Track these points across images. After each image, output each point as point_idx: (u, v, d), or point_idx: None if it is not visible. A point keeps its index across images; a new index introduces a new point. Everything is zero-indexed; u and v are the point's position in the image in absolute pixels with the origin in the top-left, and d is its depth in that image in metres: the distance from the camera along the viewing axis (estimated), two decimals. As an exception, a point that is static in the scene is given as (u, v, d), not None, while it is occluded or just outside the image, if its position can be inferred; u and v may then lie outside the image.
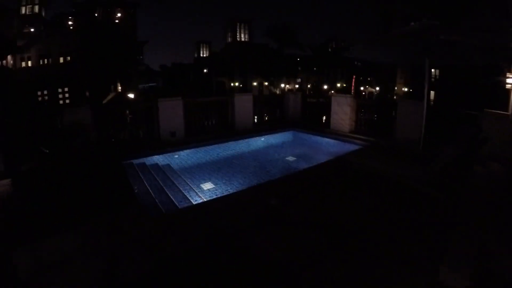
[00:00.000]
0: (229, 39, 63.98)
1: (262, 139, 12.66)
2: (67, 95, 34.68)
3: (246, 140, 12.06)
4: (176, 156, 10.07)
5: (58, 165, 8.37)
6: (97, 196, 6.55)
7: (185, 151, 10.34)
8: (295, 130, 13.41)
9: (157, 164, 9.22)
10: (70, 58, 36.04)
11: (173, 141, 10.52)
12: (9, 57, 34.36)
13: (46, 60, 37.10)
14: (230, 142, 11.53)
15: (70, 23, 40.64)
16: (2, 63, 32.33)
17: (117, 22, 40.50)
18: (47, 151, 8.64)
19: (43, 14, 40.15)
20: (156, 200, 6.43)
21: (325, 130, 12.55)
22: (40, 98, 34.33)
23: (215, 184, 8.61)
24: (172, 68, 66.28)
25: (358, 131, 11.67)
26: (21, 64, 36.96)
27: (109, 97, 32.89)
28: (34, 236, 5.01)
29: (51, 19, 41.32)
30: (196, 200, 7.02)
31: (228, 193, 7.56)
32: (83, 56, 33.50)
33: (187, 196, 7.10)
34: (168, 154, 9.88)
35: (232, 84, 59.06)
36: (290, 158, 11.10)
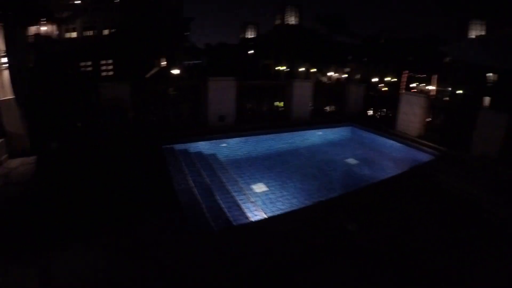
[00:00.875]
0: (278, 22, 62.72)
1: (319, 133, 11.75)
2: (110, 67, 35.06)
3: (302, 132, 11.27)
4: (224, 144, 9.36)
5: (88, 147, 7.86)
6: (129, 191, 5.92)
7: (235, 139, 9.66)
8: (354, 126, 12.44)
9: (201, 153, 8.51)
10: (115, 31, 36.25)
11: (222, 126, 9.79)
12: (54, 27, 34.94)
13: (90, 32, 37.75)
14: (285, 134, 10.76)
15: None
16: (41, 32, 32.80)
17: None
18: (80, 125, 8.17)
19: None
20: (203, 205, 5.71)
21: (389, 130, 11.42)
22: (83, 69, 34.92)
23: (269, 186, 7.88)
24: (217, 47, 65.75)
25: (427, 137, 10.44)
26: (65, 35, 37.78)
27: (152, 71, 32.60)
28: (44, 244, 4.46)
29: None
30: (248, 207, 6.27)
31: (288, 207, 6.87)
32: (127, 29, 33.47)
33: (238, 200, 6.38)
34: (216, 141, 9.22)
35: (278, 68, 57.82)
36: (351, 161, 10.19)
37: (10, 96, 7.81)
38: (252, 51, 62.78)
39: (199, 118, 9.91)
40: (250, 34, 74.45)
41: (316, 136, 11.74)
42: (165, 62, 34.71)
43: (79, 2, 38.33)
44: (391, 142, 10.87)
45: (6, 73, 7.77)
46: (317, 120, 12.28)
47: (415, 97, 11.36)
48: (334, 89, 15.85)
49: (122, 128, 8.42)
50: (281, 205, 7.12)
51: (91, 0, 39.46)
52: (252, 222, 5.53)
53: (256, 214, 6.05)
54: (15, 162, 7.65)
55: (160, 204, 5.49)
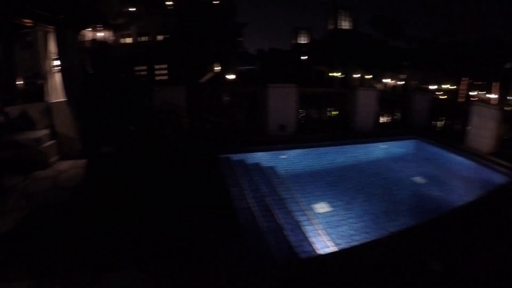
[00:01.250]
0: (330, 27, 61.67)
1: (384, 146, 10.81)
2: (164, 71, 35.90)
3: (365, 145, 10.38)
4: (284, 156, 8.73)
5: (141, 152, 7.50)
6: (183, 206, 5.40)
7: (295, 151, 8.98)
8: (420, 139, 11.24)
9: (259, 164, 7.89)
10: (168, 36, 37.13)
11: (281, 136, 9.14)
12: (110, 33, 36.28)
13: (145, 37, 39.04)
14: (347, 146, 9.93)
15: (168, 3, 42.11)
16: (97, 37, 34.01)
17: (216, 3, 40.48)
18: (133, 129, 7.86)
19: None
20: (263, 227, 5.11)
21: (457, 145, 10.19)
22: (138, 73, 36.11)
23: (331, 205, 7.21)
24: (269, 53, 65.55)
25: (500, 155, 9.07)
26: (121, 41, 39.31)
27: (207, 76, 32.73)
28: (89, 262, 4.08)
29: None
30: (311, 230, 5.61)
31: (354, 232, 6.27)
32: (181, 34, 33.99)
33: (298, 221, 5.75)
34: (275, 152, 8.61)
35: (331, 74, 56.59)
36: (418, 179, 9.23)
37: (62, 98, 7.66)
38: (305, 57, 61.93)
39: (256, 126, 9.32)
40: (302, 40, 73.82)
41: (380, 149, 10.86)
42: (219, 67, 34.81)
43: (134, 9, 40.04)
44: (460, 159, 9.71)
45: (58, 76, 7.61)
46: (380, 132, 11.34)
47: (488, 109, 10.14)
48: (396, 98, 14.71)
49: (176, 134, 8.01)
50: (346, 229, 6.44)
51: (145, 7, 41.08)
52: (320, 255, 4.83)
53: (320, 239, 5.44)
54: (65, 165, 7.54)
55: (217, 224, 4.91)
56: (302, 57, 62.03)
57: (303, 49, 65.58)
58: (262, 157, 8.29)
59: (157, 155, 7.37)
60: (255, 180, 6.90)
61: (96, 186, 6.29)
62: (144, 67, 35.82)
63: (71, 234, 4.79)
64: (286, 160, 8.78)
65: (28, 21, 6.73)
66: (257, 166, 7.82)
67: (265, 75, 48.55)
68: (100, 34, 34.65)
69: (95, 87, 9.41)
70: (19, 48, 9.88)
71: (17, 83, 9.85)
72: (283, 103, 9.26)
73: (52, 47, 7.70)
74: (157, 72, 36.02)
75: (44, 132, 7.73)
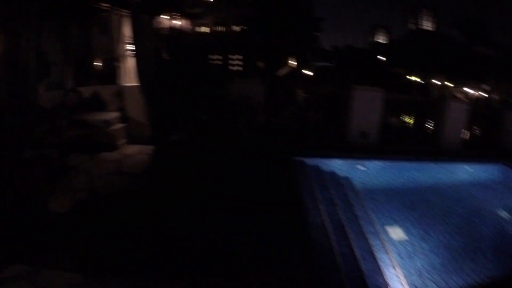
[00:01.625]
0: (411, 26, 58.74)
1: (467, 169, 9.54)
2: (239, 62, 36.18)
3: (449, 165, 9.20)
4: (362, 167, 7.95)
5: (211, 145, 7.18)
6: (253, 212, 4.96)
7: (374, 162, 8.16)
8: (507, 165, 9.59)
9: (334, 173, 7.26)
10: (245, 27, 37.35)
11: (362, 144, 8.45)
12: (187, 22, 37.19)
13: (221, 27, 39.68)
14: (430, 164, 8.87)
15: None
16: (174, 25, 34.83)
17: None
18: (204, 118, 7.57)
19: None
20: (336, 250, 4.47)
21: None
22: (213, 62, 36.84)
23: (407, 232, 6.50)
24: (345, 50, 63.67)
25: None
26: (197, 30, 40.31)
27: (284, 71, 32.22)
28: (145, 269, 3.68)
29: None
30: (383, 259, 4.95)
31: (429, 268, 5.49)
32: (257, 26, 33.91)
33: (372, 246, 5.09)
34: (352, 161, 7.89)
35: (409, 78, 53.61)
36: (504, 214, 8.10)
37: (134, 83, 7.57)
38: (381, 57, 59.35)
39: (334, 130, 8.65)
40: (379, 38, 71.36)
41: (464, 172, 9.54)
42: (295, 62, 34.17)
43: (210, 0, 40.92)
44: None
45: (132, 60, 7.53)
46: (464, 151, 9.96)
47: None
48: (486, 113, 12.44)
49: (249, 129, 7.60)
50: (421, 264, 5.64)
51: (222, -3, 41.89)
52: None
53: (392, 272, 4.77)
54: (132, 149, 7.49)
55: (286, 239, 4.42)
56: (379, 57, 59.53)
57: (380, 48, 63.00)
58: (338, 165, 7.60)
59: (227, 149, 7.00)
60: (330, 192, 6.29)
61: (160, 176, 6.08)
62: (219, 57, 36.34)
63: (129, 226, 4.55)
64: (364, 172, 8.00)
65: (105, 5, 6.66)
66: (332, 175, 7.19)
67: (341, 74, 46.95)
68: (177, 22, 35.62)
69: (169, 74, 9.30)
70: (97, 32, 9.99)
71: (93, 64, 10.02)
72: (367, 108, 8.45)
73: (127, 31, 7.66)
74: (231, 63, 36.31)
75: (114, 114, 7.75)
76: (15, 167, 4.29)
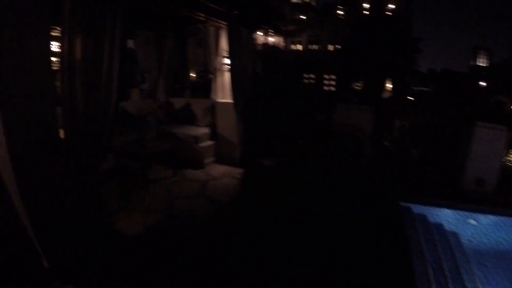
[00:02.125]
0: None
1: None
2: (333, 82, 35.32)
3: None
4: (472, 222, 6.38)
5: (306, 174, 6.38)
6: (348, 261, 4.04)
7: (488, 217, 6.38)
8: None
9: (442, 226, 5.98)
10: (339, 46, 36.54)
11: (476, 193, 6.82)
12: (281, 39, 37.34)
13: (315, 46, 39.31)
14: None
15: (339, 12, 41.73)
16: (269, 42, 34.78)
17: (389, 14, 38.04)
18: (302, 142, 6.78)
19: (314, 3, 44.00)
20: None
21: None
22: (306, 81, 36.48)
23: None
24: (442, 74, 59.35)
25: None
26: (291, 47, 40.30)
27: (386, 95, 30.34)
28: None
29: (321, 7, 45.05)
30: None
31: None
32: (353, 45, 32.74)
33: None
34: (463, 213, 6.35)
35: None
36: None
37: (228, 99, 7.06)
38: (483, 83, 54.33)
39: (443, 171, 7.20)
40: (480, 62, 65.58)
41: None
42: (391, 85, 32.22)
43: (304, 18, 40.78)
44: None
45: (227, 75, 7.03)
46: None
47: None
48: None
49: (353, 162, 6.57)
50: None
51: (315, 15, 41.56)
52: None
53: None
54: (218, 170, 6.92)
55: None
56: (480, 83, 54.56)
57: (482, 73, 57.77)
58: (447, 217, 6.20)
59: (325, 182, 6.16)
60: (437, 248, 5.12)
61: (246, 206, 5.36)
62: (313, 76, 35.80)
63: (205, 261, 3.91)
64: (474, 227, 6.47)
65: (200, 15, 6.21)
66: (440, 228, 5.89)
67: (439, 100, 43.18)
68: (271, 39, 35.84)
69: (263, 92, 8.74)
70: (193, 43, 9.76)
71: (188, 76, 9.81)
72: (487, 149, 6.84)
73: (224, 44, 7.17)
74: (325, 82, 35.54)
75: (204, 130, 7.28)
76: (90, 176, 3.86)
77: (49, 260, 3.39)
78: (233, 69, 6.65)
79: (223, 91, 7.46)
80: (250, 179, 6.36)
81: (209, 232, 4.55)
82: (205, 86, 8.33)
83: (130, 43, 9.89)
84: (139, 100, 8.85)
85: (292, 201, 5.32)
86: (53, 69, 3.48)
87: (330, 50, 37.23)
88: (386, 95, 29.72)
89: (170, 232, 4.58)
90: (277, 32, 35.32)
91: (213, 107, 7.49)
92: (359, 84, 30.94)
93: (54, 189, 3.52)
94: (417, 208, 5.86)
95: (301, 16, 41.72)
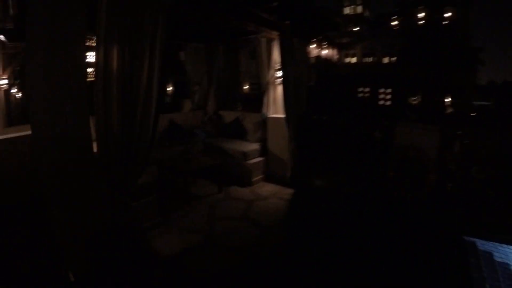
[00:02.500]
0: None
1: None
2: (388, 96, 33.73)
3: None
4: None
5: (360, 199, 5.71)
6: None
7: None
8: None
9: (508, 265, 5.00)
10: (395, 59, 35.00)
11: None
12: (335, 51, 36.51)
13: (369, 58, 37.95)
14: None
15: (393, 23, 40.00)
16: (322, 55, 34.05)
17: (446, 23, 35.87)
18: (358, 165, 6.11)
19: (367, 14, 42.29)
20: None
21: None
22: (361, 95, 35.33)
23: None
24: (503, 86, 54.97)
25: None
26: (345, 60, 39.28)
27: (448, 111, 28.29)
28: None
29: (375, 19, 42.78)
30: None
31: None
32: (408, 58, 31.19)
33: None
34: None
35: None
36: None
37: (280, 114, 6.56)
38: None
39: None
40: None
41: None
42: (449, 99, 30.13)
43: (358, 29, 39.47)
44: None
45: (280, 89, 6.55)
46: None
47: None
48: None
49: (414, 191, 5.71)
50: None
51: (369, 27, 40.16)
52: None
53: None
54: (266, 189, 6.38)
55: None
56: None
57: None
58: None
59: (382, 210, 5.46)
60: None
61: (292, 234, 4.79)
62: (366, 90, 34.50)
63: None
64: None
65: (251, 26, 5.77)
66: (506, 267, 4.97)
67: (502, 116, 39.64)
68: (324, 52, 35.00)
69: (317, 107, 8.17)
70: (245, 55, 9.38)
71: (238, 89, 9.47)
72: None
73: (276, 56, 6.69)
74: (380, 97, 34.05)
75: (254, 146, 6.81)
76: (124, 192, 3.52)
77: (76, 275, 3.17)
78: (285, 82, 6.12)
79: (275, 105, 6.99)
80: (299, 201, 5.78)
81: (249, 259, 4.04)
82: (257, 100, 7.89)
83: (183, 56, 9.73)
84: (188, 112, 8.59)
85: (343, 231, 4.69)
86: (88, 80, 3.21)
87: (385, 63, 35.82)
88: (447, 111, 27.73)
89: (207, 256, 4.13)
90: (330, 45, 34.53)
91: (264, 122, 7.02)
92: (415, 99, 29.23)
93: (85, 203, 3.24)
94: (483, 245, 5.00)
95: (354, 29, 40.61)
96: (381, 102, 32.79)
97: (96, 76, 3.07)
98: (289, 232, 4.73)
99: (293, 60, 6.13)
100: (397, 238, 4.53)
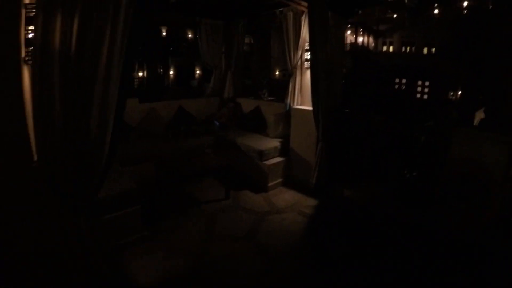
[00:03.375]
0: None
1: None
2: (426, 89, 31.33)
3: None
4: None
5: (401, 224, 4.31)
6: None
7: None
8: None
9: None
10: (434, 49, 32.49)
11: None
12: (371, 39, 34.46)
13: (408, 48, 35.41)
14: None
15: (435, 11, 37.18)
16: (363, 43, 32.11)
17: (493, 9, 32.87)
18: (409, 175, 4.56)
19: (407, 0, 39.56)
20: None
21: None
22: (396, 87, 33.06)
23: None
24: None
25: None
26: (382, 48, 36.98)
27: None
28: None
29: (415, 5, 39.56)
30: None
31: None
32: (450, 49, 28.77)
33: None
34: None
35: None
36: None
37: (308, 105, 5.23)
38: None
39: None
40: None
41: None
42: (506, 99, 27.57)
43: (395, 16, 36.91)
44: None
45: (308, 74, 5.17)
46: None
47: None
48: None
49: (472, 219, 4.08)
50: None
51: (408, 14, 37.56)
52: None
53: None
54: (284, 197, 5.07)
55: None
56: None
57: None
58: None
59: (426, 242, 3.92)
60: None
61: (309, 270, 3.47)
62: (403, 82, 32.30)
63: None
64: None
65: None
66: None
67: None
68: (360, 39, 32.98)
69: (350, 100, 6.73)
70: (267, 35, 8.15)
71: (260, 73, 8.21)
72: None
73: (306, 34, 5.30)
74: (419, 89, 31.78)
75: (273, 143, 5.48)
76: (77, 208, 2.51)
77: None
78: (314, 66, 4.71)
79: (302, 94, 5.60)
80: (324, 219, 4.42)
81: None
82: (281, 87, 6.54)
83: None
84: (201, 99, 7.37)
85: (375, 265, 3.39)
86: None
87: (425, 54, 33.41)
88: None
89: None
90: (366, 31, 32.48)
91: (288, 114, 5.70)
92: (453, 94, 26.77)
93: (24, 223, 2.49)
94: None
95: (393, 15, 38.10)
96: (418, 96, 30.53)
97: (32, 56, 2.30)
98: (305, 268, 3.44)
99: (326, 40, 4.72)
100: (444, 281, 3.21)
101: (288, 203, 4.84)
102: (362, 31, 32.11)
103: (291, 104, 5.66)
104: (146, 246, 3.61)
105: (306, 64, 5.39)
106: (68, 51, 2.15)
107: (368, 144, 5.10)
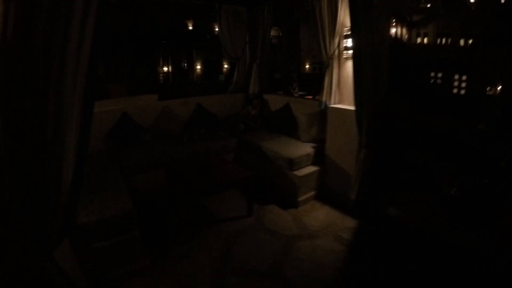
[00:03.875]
0: None
1: None
2: (463, 84, 29.47)
3: None
4: None
5: (455, 244, 3.31)
6: None
7: None
8: None
9: None
10: (472, 41, 30.46)
11: None
12: (404, 30, 32.78)
13: (444, 39, 33.45)
14: None
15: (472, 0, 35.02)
16: (396, 34, 30.52)
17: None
18: (453, 191, 3.55)
19: None
20: None
21: None
22: (432, 81, 31.33)
23: None
24: None
25: None
26: (416, 40, 35.10)
27: None
28: None
29: None
30: None
31: None
32: (489, 41, 26.87)
33: None
34: None
35: None
36: None
37: (348, 104, 4.31)
38: None
39: None
40: None
41: None
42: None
43: (429, 5, 35.10)
44: None
45: (348, 66, 4.25)
46: None
47: None
48: None
49: None
50: None
51: (443, 4, 35.60)
52: None
53: None
54: (317, 217, 4.12)
55: None
56: None
57: None
58: None
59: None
60: None
61: None
62: (439, 75, 30.60)
63: None
64: None
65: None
66: None
67: None
68: (393, 30, 31.56)
69: (402, 100, 5.66)
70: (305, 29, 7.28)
71: (298, 67, 7.34)
72: None
73: (344, 17, 4.35)
74: (455, 83, 30.07)
75: (306, 149, 4.51)
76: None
77: None
78: (357, 55, 3.77)
79: (341, 91, 4.64)
80: (365, 246, 3.50)
81: None
82: (320, 81, 5.56)
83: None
84: (224, 95, 6.53)
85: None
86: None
87: (462, 46, 31.44)
88: None
89: None
90: (399, 22, 30.91)
91: (324, 114, 4.75)
92: (490, 88, 24.87)
93: None
94: None
95: (427, 5, 36.26)
96: (455, 90, 28.78)
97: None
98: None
99: (371, 23, 3.73)
100: None
101: (322, 224, 3.91)
102: (394, 21, 30.56)
103: (327, 102, 4.70)
104: (145, 279, 2.90)
105: (346, 54, 4.42)
106: (13, 38, 1.38)
107: (422, 151, 4.11)
